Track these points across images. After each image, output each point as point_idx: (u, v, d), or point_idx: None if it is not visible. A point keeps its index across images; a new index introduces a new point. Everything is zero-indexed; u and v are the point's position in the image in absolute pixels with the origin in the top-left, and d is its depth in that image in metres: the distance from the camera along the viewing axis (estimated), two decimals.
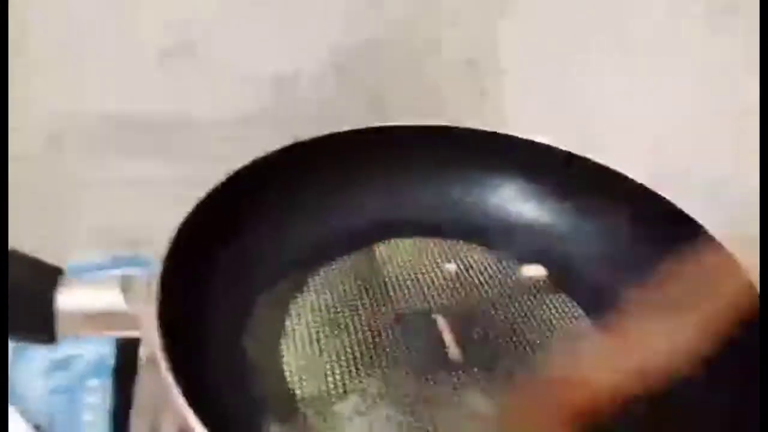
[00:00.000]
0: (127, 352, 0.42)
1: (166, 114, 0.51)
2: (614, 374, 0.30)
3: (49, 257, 0.52)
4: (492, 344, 0.33)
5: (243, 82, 0.52)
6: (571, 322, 0.35)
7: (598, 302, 0.35)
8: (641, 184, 0.36)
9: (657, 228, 0.35)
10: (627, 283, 0.34)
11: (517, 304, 0.35)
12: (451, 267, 0.37)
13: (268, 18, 0.49)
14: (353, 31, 0.51)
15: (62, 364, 0.45)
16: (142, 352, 0.26)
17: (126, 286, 0.27)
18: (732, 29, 0.40)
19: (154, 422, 0.31)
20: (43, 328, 0.26)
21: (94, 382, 0.43)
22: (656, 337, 0.31)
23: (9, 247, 0.26)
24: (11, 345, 0.45)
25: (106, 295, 0.27)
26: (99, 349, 0.45)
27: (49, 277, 0.26)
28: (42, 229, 0.53)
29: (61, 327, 0.26)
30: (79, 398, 0.42)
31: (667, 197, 0.35)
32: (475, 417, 0.29)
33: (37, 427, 0.38)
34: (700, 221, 0.33)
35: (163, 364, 0.24)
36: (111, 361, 0.43)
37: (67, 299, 0.26)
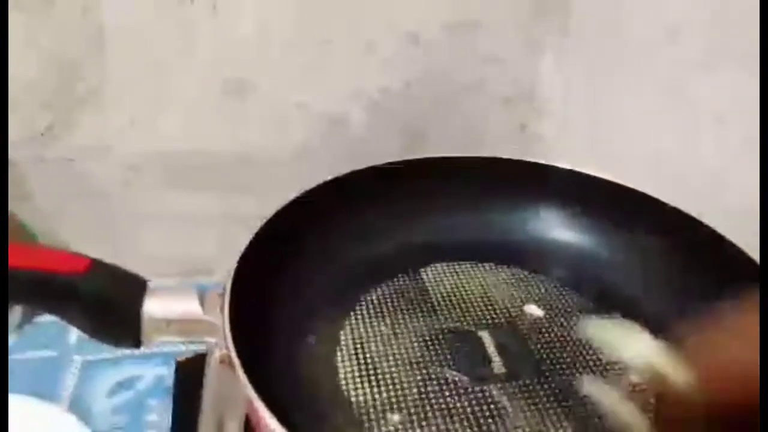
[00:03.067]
0: (184, 373, 0.44)
1: (224, 150, 0.55)
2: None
3: None
4: (536, 360, 0.35)
5: (296, 121, 0.55)
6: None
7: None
8: (688, 214, 0.37)
9: (703, 260, 0.36)
10: (675, 313, 0.35)
11: (558, 324, 0.37)
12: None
13: (320, 60, 0.53)
14: (397, 72, 0.55)
15: (125, 384, 0.47)
16: (217, 354, 0.29)
17: (202, 295, 0.30)
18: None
19: (220, 422, 0.33)
20: (131, 333, 0.29)
21: (154, 401, 0.46)
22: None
23: (100, 260, 0.29)
24: (80, 363, 0.49)
25: (186, 304, 0.29)
26: (159, 371, 0.48)
27: (136, 287, 0.29)
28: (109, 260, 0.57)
29: (146, 332, 0.29)
30: (141, 416, 0.45)
31: (714, 226, 0.36)
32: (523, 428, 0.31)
33: None
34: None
35: (236, 362, 0.26)
36: (170, 382, 0.46)
37: (152, 307, 0.29)
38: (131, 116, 0.51)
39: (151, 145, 0.52)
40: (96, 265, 0.28)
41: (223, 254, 0.33)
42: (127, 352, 0.47)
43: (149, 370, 0.49)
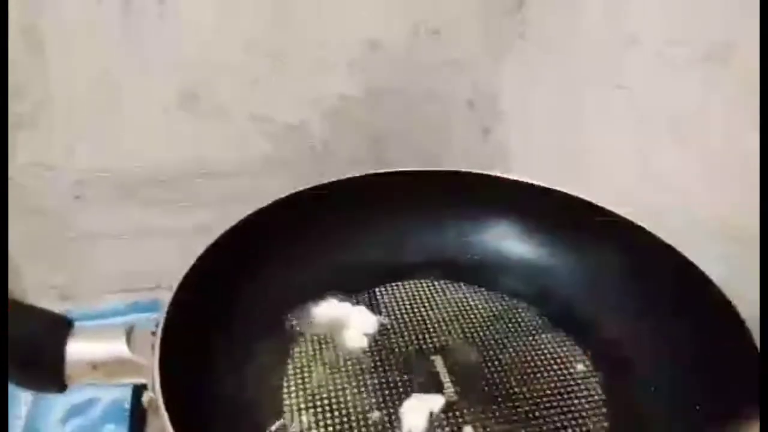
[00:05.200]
0: (142, 396, 0.43)
1: (179, 164, 0.53)
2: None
3: (71, 304, 0.54)
4: (487, 382, 0.34)
5: (254, 133, 0.54)
6: (567, 360, 0.35)
7: (597, 342, 0.35)
8: (640, 226, 0.36)
9: (659, 275, 0.35)
10: (625, 325, 0.35)
11: (514, 343, 0.36)
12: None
13: (277, 69, 0.51)
14: (357, 79, 0.53)
15: (80, 409, 0.46)
16: (145, 398, 0.27)
17: (131, 335, 0.28)
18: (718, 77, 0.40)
19: None
20: (53, 377, 0.27)
21: (110, 427, 0.44)
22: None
23: (21, 301, 0.27)
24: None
25: (112, 345, 0.28)
26: (115, 394, 0.47)
27: (58, 328, 0.28)
28: (64, 277, 0.56)
29: (69, 376, 0.27)
30: None
31: (670, 241, 0.35)
32: None
33: None
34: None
35: (163, 413, 0.25)
36: (127, 406, 0.44)
37: (76, 349, 0.27)
38: (78, 133, 0.49)
39: (101, 161, 0.51)
40: (13, 305, 0.27)
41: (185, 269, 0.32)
42: None
43: (106, 393, 0.47)
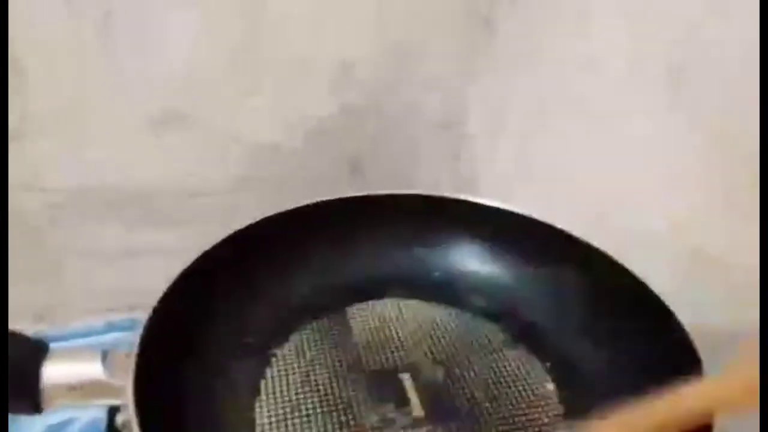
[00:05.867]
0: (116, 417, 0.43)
1: (158, 183, 0.54)
2: None
3: (47, 323, 0.54)
4: (454, 401, 0.35)
5: (231, 151, 0.55)
6: (531, 378, 0.36)
7: (559, 361, 0.37)
8: (604, 253, 0.37)
9: (621, 302, 0.36)
10: (588, 348, 0.36)
11: (479, 360, 0.37)
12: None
13: (252, 88, 0.52)
14: (333, 98, 0.55)
15: (57, 430, 0.46)
16: (119, 419, 0.28)
17: (106, 357, 0.29)
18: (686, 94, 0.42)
19: None
20: (29, 400, 0.28)
21: None
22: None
23: None
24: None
25: (88, 367, 0.29)
26: (92, 414, 0.47)
27: (34, 352, 0.29)
28: (42, 295, 0.56)
29: (45, 398, 0.28)
30: None
31: (633, 269, 0.36)
32: None
33: None
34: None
35: None
36: (103, 425, 0.45)
37: (52, 372, 0.28)
38: (56, 151, 0.50)
39: (79, 179, 0.51)
40: None
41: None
42: None
43: (83, 414, 0.48)
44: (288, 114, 0.55)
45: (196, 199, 0.56)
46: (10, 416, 0.46)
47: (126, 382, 0.28)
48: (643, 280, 0.35)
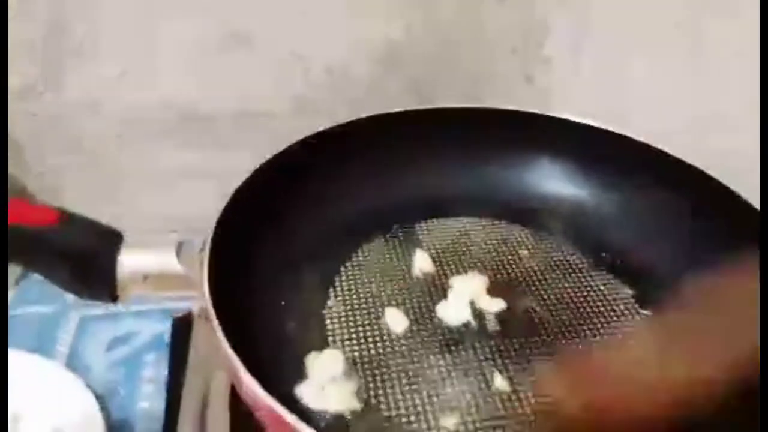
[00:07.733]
0: (181, 329, 0.44)
1: (222, 105, 0.53)
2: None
3: None
4: (531, 320, 0.33)
5: (295, 73, 0.53)
6: (614, 301, 0.35)
7: (645, 284, 0.35)
8: (697, 167, 0.35)
9: (713, 216, 0.34)
10: (676, 269, 0.34)
11: (556, 282, 0.35)
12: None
13: (320, 10, 0.51)
14: (400, 20, 0.52)
15: (123, 340, 0.47)
16: (195, 308, 0.28)
17: (181, 249, 0.29)
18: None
19: (207, 377, 0.32)
20: (106, 287, 0.28)
21: (151, 357, 0.46)
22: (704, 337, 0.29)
23: (71, 212, 0.28)
24: (77, 319, 0.49)
25: (163, 257, 0.28)
26: (156, 326, 0.48)
27: (111, 240, 0.28)
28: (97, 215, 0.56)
29: (122, 285, 0.28)
30: (138, 371, 0.44)
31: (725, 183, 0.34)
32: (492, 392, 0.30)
33: (99, 396, 0.40)
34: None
35: (214, 322, 0.25)
36: (166, 338, 0.45)
37: (127, 260, 0.28)
38: (123, 68, 0.49)
39: (144, 98, 0.51)
40: (66, 216, 0.27)
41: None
42: (123, 309, 0.48)
43: (146, 327, 0.48)
44: (354, 35, 0.53)
45: (260, 121, 0.55)
46: (77, 325, 0.48)
47: (199, 274, 0.28)
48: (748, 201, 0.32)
